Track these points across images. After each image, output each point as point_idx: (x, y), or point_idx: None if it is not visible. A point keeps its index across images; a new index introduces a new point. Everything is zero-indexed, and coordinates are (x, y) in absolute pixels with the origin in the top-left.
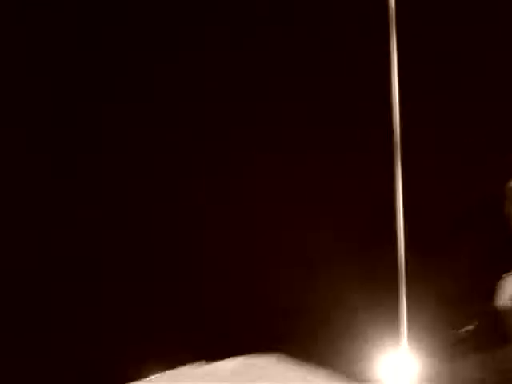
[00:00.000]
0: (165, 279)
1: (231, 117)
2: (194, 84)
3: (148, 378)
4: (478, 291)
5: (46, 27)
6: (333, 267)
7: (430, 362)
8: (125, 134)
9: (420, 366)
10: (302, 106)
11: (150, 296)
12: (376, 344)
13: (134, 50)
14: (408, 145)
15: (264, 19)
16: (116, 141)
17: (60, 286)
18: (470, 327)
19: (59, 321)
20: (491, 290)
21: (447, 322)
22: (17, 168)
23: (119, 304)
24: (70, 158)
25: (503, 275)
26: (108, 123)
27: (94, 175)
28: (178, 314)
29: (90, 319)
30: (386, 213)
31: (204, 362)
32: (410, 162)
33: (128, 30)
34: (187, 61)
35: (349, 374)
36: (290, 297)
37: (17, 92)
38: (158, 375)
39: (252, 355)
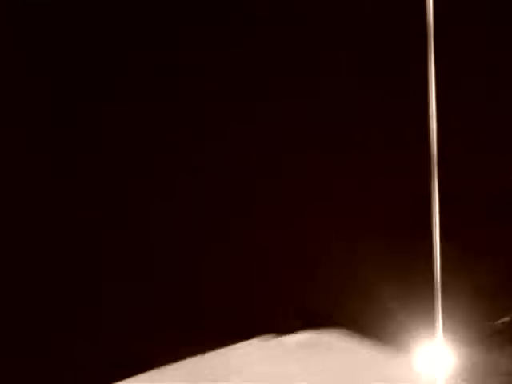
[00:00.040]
0: (165, 279)
1: (259, 116)
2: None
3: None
4: None
5: (46, 27)
6: (368, 258)
7: (465, 354)
8: (125, 133)
9: (456, 357)
10: (340, 107)
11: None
12: (412, 336)
13: (134, 49)
14: (444, 142)
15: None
16: (116, 141)
17: (60, 286)
18: (507, 319)
19: (59, 321)
20: None
21: (483, 313)
22: (17, 168)
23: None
24: (69, 158)
25: None
26: (108, 123)
27: (94, 175)
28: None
29: (90, 319)
30: (422, 204)
31: (272, 335)
32: (447, 156)
33: (128, 29)
34: (188, 61)
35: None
36: (328, 290)
37: (17, 92)
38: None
39: (315, 330)
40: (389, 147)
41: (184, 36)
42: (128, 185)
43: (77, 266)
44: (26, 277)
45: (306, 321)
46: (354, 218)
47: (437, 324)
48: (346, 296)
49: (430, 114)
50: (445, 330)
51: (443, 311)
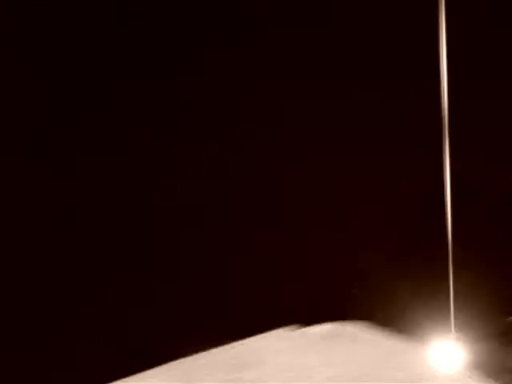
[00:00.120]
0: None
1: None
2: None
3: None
4: None
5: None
6: (384, 256)
7: (478, 350)
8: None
9: (469, 353)
10: (353, 107)
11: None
12: (426, 332)
13: (134, 49)
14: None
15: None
16: (116, 141)
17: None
18: None
19: (59, 321)
20: None
21: (496, 310)
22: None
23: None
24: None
25: None
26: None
27: (94, 175)
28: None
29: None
30: (435, 203)
31: (295, 326)
32: (458, 157)
33: (128, 29)
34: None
35: None
36: (341, 288)
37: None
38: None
39: (339, 322)
40: (402, 149)
41: (184, 36)
42: (128, 184)
43: (77, 265)
44: (25, 277)
45: (329, 313)
46: (374, 217)
47: (451, 321)
48: (366, 290)
49: (443, 115)
50: (458, 326)
51: (457, 308)
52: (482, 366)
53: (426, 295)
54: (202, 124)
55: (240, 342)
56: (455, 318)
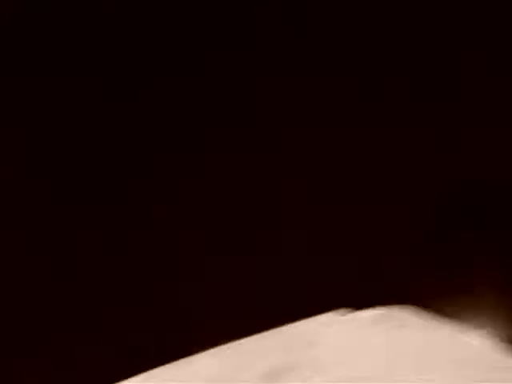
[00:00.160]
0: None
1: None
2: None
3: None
4: None
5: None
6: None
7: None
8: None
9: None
10: (363, 107)
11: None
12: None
13: (134, 49)
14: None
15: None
16: (116, 140)
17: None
18: None
19: (59, 320)
20: None
21: None
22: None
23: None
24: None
25: None
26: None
27: (93, 175)
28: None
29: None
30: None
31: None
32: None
33: (127, 29)
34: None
35: None
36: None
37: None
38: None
39: (386, 307)
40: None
41: (184, 36)
42: (128, 184)
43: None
44: (25, 276)
45: (380, 297)
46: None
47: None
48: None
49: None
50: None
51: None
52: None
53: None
54: (202, 124)
55: (291, 326)
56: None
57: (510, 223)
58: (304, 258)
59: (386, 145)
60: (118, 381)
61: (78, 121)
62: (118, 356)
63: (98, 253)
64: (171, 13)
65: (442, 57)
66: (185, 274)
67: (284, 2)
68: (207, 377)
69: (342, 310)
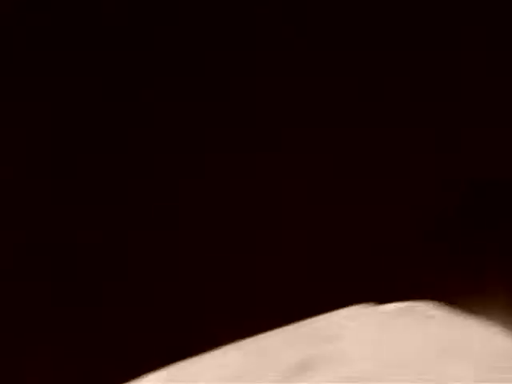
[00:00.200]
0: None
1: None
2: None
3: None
4: None
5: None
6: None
7: None
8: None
9: None
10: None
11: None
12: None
13: (134, 49)
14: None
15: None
16: (115, 140)
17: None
18: None
19: (59, 320)
20: None
21: None
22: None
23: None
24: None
25: None
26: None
27: (94, 175)
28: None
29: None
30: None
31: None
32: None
33: (127, 29)
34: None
35: None
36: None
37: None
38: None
39: (408, 301)
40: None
41: (184, 36)
42: (128, 184)
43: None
44: (25, 276)
45: (404, 291)
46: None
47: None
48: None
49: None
50: None
51: None
52: None
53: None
54: (201, 124)
55: (313, 319)
56: None
57: None
58: (304, 258)
59: (386, 145)
60: (118, 381)
61: (77, 121)
62: (118, 356)
63: (98, 253)
64: (171, 13)
65: (442, 57)
66: (185, 273)
67: (284, 1)
68: (232, 371)
69: (364, 304)
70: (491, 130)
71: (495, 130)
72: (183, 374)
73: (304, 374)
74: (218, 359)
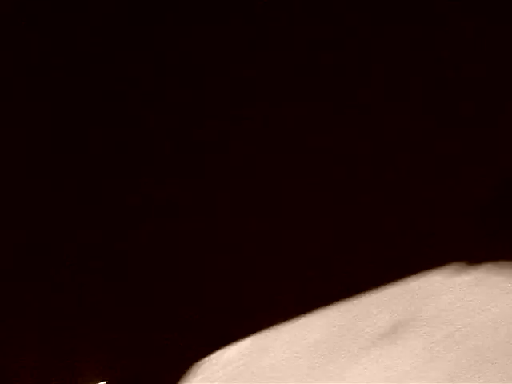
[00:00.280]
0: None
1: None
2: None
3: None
4: None
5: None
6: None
7: None
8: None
9: None
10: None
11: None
12: None
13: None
14: None
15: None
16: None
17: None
18: None
19: (59, 320)
20: None
21: None
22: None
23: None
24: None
25: None
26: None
27: (93, 174)
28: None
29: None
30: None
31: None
32: None
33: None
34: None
35: None
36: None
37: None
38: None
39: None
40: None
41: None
42: (128, 184)
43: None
44: (25, 276)
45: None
46: None
47: None
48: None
49: None
50: None
51: None
52: None
53: None
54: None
55: (411, 278)
56: None
57: None
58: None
59: (448, 150)
60: (118, 380)
61: (77, 121)
62: (118, 356)
63: (98, 253)
64: (171, 13)
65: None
66: (185, 273)
67: (284, 1)
68: (322, 336)
69: (458, 264)
70: None
71: None
72: (269, 343)
73: (397, 337)
74: (303, 327)
